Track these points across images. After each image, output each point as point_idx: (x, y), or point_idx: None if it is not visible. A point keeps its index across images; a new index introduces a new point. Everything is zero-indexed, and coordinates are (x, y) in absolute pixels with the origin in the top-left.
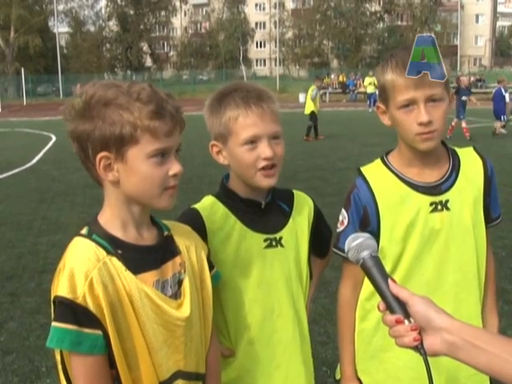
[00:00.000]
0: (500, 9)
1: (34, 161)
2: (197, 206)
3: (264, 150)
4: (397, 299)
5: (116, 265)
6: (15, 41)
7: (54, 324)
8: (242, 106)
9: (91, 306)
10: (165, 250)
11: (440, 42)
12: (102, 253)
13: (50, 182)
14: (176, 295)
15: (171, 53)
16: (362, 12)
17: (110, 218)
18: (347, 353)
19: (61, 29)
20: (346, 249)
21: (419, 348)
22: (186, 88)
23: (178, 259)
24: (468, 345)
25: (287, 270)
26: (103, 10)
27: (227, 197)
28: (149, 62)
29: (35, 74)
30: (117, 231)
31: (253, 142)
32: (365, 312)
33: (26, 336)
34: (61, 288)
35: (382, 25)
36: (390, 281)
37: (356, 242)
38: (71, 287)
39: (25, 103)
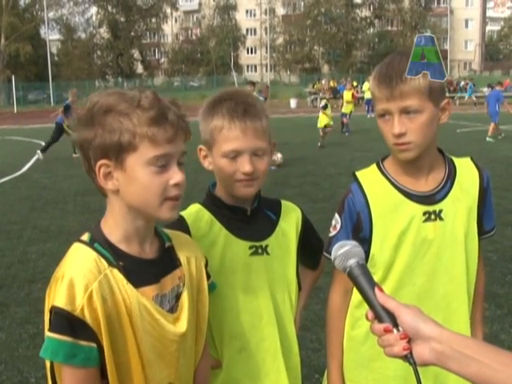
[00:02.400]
0: (489, 13)
1: (25, 169)
2: (182, 213)
3: (244, 164)
4: (385, 308)
5: (117, 277)
6: (6, 48)
7: (49, 334)
8: (227, 118)
9: (88, 319)
10: (165, 264)
11: None
12: (104, 264)
13: (40, 190)
14: (173, 309)
15: (162, 59)
16: (353, 17)
17: (113, 228)
18: (334, 360)
19: (51, 36)
20: (332, 257)
21: (408, 357)
22: (177, 95)
23: (177, 272)
24: (457, 354)
25: (272, 278)
26: (94, 17)
27: (213, 204)
28: (140, 68)
29: (26, 81)
30: (119, 242)
31: (233, 155)
32: (354, 319)
33: (15, 346)
34: (59, 298)
35: (372, 30)
36: (377, 290)
37: (342, 250)
38: (70, 299)
39: (15, 111)
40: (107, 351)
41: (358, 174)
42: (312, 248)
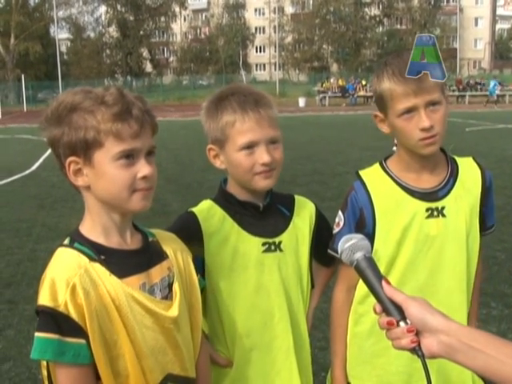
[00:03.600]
0: (499, 12)
1: (34, 167)
2: (194, 209)
3: (262, 155)
4: (392, 300)
5: (99, 271)
6: (15, 47)
7: (36, 334)
8: (239, 111)
9: (73, 314)
10: (151, 255)
11: (439, 46)
12: (84, 259)
13: (49, 188)
14: (167, 298)
15: (171, 58)
16: (362, 16)
17: (91, 226)
18: (338, 357)
19: (61, 35)
20: (339, 250)
21: (417, 350)
22: (185, 93)
23: (165, 263)
24: (465, 347)
25: (286, 275)
26: (103, 16)
27: (225, 200)
28: (149, 67)
29: (36, 80)
30: (99, 238)
31: (250, 147)
32: (358, 316)
33: (24, 343)
34: (42, 297)
35: (381, 29)
36: (384, 283)
37: (349, 244)
38: (52, 295)
39: (25, 109)
40: (94, 346)
41: (362, 172)
42: (326, 244)
